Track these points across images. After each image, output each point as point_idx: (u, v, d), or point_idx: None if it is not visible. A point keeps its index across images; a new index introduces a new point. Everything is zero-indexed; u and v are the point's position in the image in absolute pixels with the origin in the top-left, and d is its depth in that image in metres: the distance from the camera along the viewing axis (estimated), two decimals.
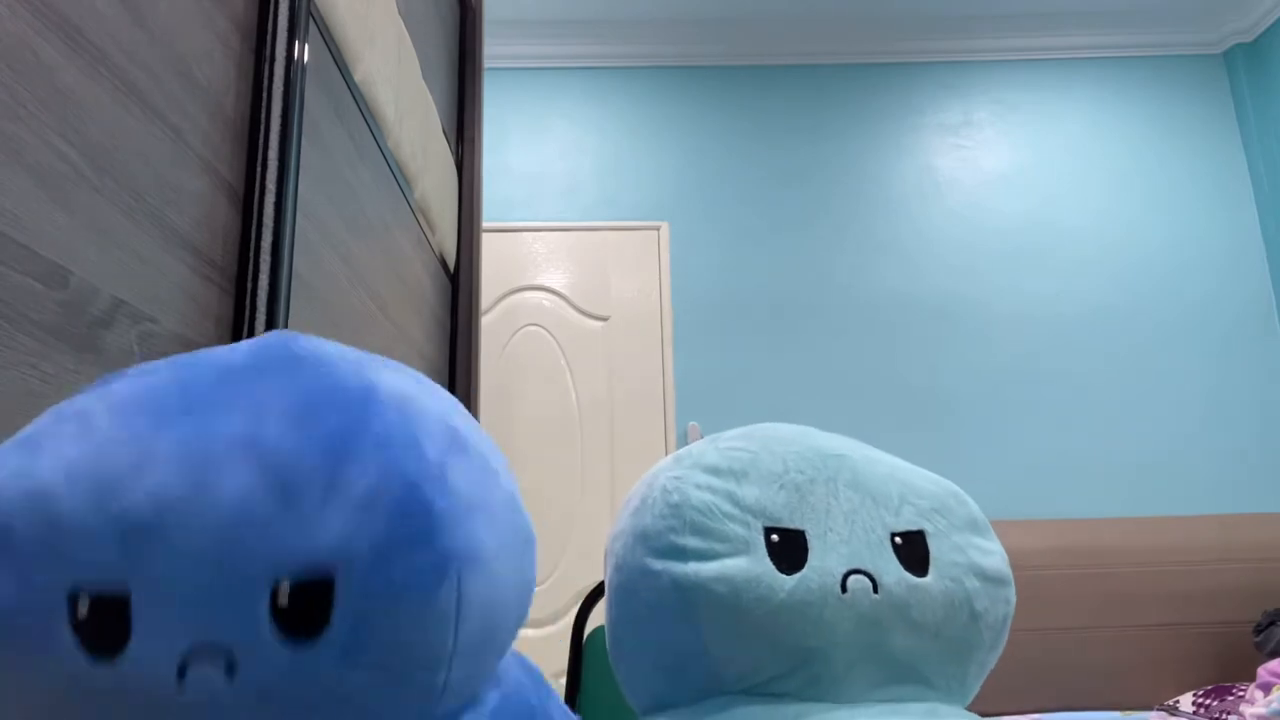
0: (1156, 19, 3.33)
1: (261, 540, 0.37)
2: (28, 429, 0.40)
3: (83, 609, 0.36)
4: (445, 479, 0.41)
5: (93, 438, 0.38)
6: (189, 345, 0.74)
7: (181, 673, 0.36)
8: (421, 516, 0.39)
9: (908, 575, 0.55)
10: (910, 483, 0.61)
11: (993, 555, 0.60)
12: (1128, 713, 2.31)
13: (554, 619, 2.80)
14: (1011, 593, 0.60)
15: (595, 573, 2.82)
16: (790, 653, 0.53)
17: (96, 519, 0.36)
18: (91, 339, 0.60)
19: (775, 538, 0.55)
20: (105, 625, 0.36)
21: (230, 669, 0.36)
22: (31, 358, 0.54)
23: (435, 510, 0.40)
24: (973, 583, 0.57)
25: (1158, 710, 2.33)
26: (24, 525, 0.36)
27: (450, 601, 0.40)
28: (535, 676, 0.51)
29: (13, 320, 0.53)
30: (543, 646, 2.78)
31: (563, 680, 2.85)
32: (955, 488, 0.63)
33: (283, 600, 0.37)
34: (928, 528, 0.58)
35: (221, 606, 0.37)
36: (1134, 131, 3.29)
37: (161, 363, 0.43)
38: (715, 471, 0.59)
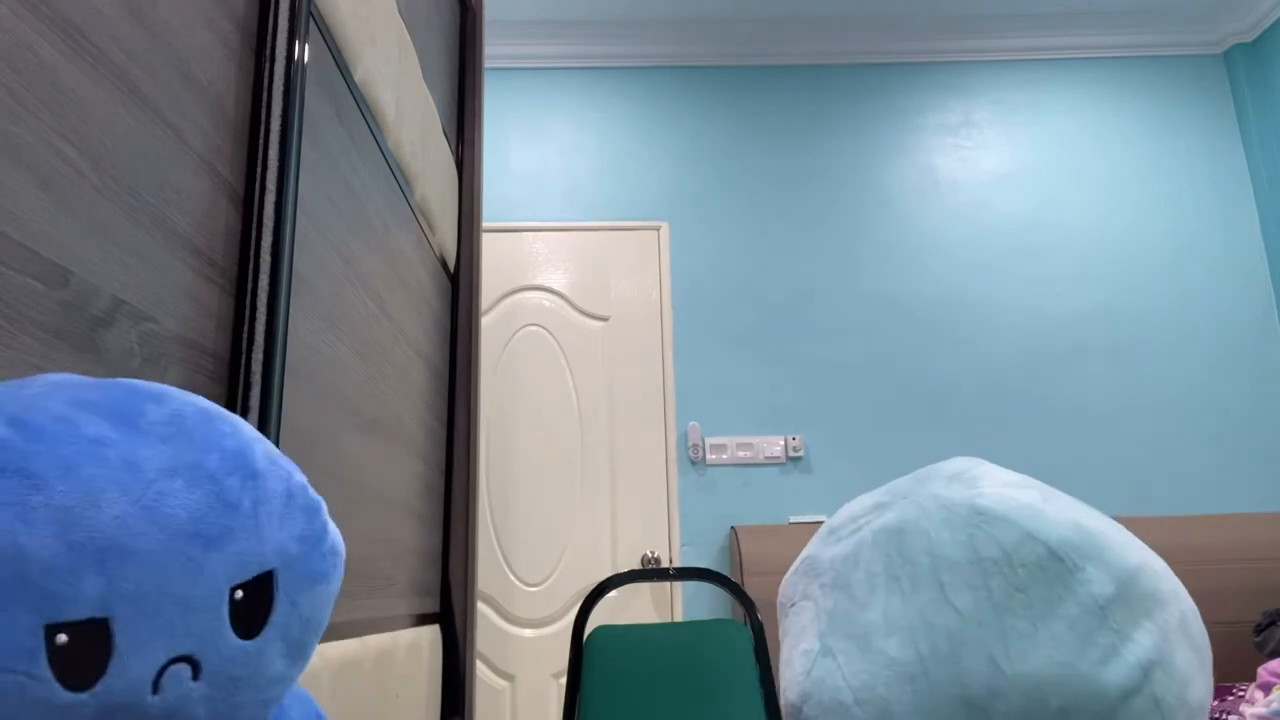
0: (1156, 19, 3.33)
1: (224, 551, 0.41)
2: None
3: (61, 640, 0.36)
4: (307, 483, 0.49)
5: (23, 477, 0.38)
6: (189, 345, 0.74)
7: (156, 684, 0.39)
8: (320, 512, 0.47)
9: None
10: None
11: None
12: None
13: (554, 619, 2.80)
14: None
15: (595, 573, 2.82)
16: None
17: (69, 552, 0.37)
18: (91, 339, 0.60)
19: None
20: (82, 654, 0.37)
21: (196, 671, 0.40)
22: (32, 358, 0.54)
23: (323, 507, 0.48)
24: None
25: None
26: None
27: (339, 579, 0.49)
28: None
29: (13, 320, 0.53)
30: (543, 646, 2.78)
31: (563, 680, 2.85)
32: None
33: (239, 602, 0.42)
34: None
35: (195, 616, 0.40)
36: (1134, 131, 3.29)
37: (55, 404, 0.42)
38: None
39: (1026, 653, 0.42)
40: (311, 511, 0.47)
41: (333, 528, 0.49)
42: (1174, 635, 0.44)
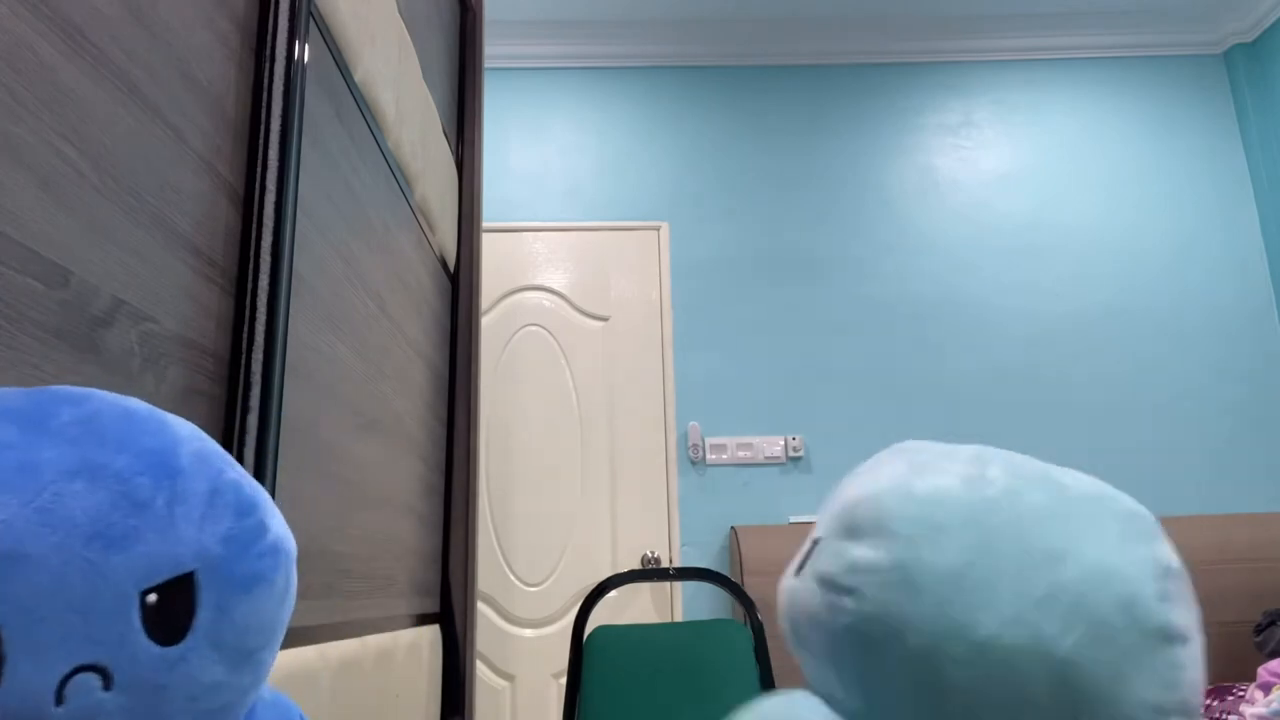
0: (1156, 19, 3.33)
1: (129, 552, 0.39)
2: None
3: None
4: (248, 482, 0.46)
5: None
6: (189, 345, 0.74)
7: (59, 695, 0.37)
8: (254, 511, 0.45)
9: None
10: None
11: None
12: None
13: (554, 619, 2.80)
14: None
15: (595, 573, 2.82)
16: None
17: None
18: (91, 339, 0.60)
19: None
20: None
21: (107, 681, 0.38)
22: (32, 358, 0.54)
23: (261, 505, 0.45)
24: None
25: None
26: None
27: (284, 583, 0.46)
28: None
29: (13, 320, 0.53)
30: (543, 646, 2.78)
31: (563, 680, 2.86)
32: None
33: (152, 606, 0.39)
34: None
35: (99, 623, 0.38)
36: (1134, 131, 3.29)
37: None
38: None
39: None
40: (243, 510, 0.44)
41: (275, 526, 0.46)
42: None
